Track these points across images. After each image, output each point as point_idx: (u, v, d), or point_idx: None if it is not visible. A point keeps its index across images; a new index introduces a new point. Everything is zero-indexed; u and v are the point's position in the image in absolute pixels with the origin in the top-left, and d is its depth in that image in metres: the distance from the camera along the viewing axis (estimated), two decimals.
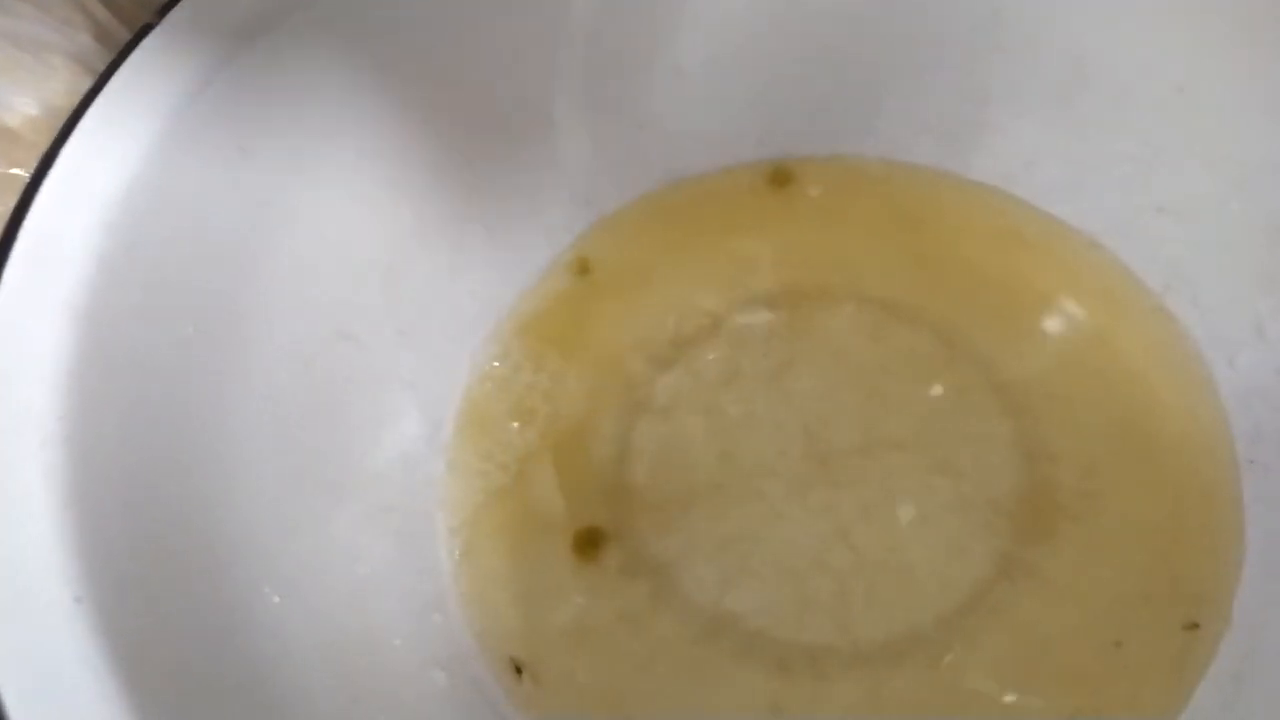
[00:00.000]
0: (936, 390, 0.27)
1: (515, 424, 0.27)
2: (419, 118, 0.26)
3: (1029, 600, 0.24)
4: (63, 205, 0.20)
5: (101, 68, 0.25)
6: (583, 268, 0.29)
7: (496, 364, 0.28)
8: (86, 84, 0.25)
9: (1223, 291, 0.26)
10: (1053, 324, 0.28)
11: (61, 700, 0.14)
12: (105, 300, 0.19)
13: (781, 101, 0.30)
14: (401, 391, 0.27)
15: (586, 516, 0.26)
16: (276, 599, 0.20)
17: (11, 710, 0.14)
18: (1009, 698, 0.24)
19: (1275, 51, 0.24)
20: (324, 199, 0.25)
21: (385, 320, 0.27)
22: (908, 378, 0.27)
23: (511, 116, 0.28)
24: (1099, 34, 0.27)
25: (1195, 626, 0.24)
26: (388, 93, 0.26)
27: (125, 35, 0.27)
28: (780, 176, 0.30)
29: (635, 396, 0.27)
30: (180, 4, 0.22)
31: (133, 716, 0.15)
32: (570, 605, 0.25)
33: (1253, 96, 0.25)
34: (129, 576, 0.16)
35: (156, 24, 0.22)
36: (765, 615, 0.25)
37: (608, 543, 0.26)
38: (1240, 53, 0.25)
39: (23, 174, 0.23)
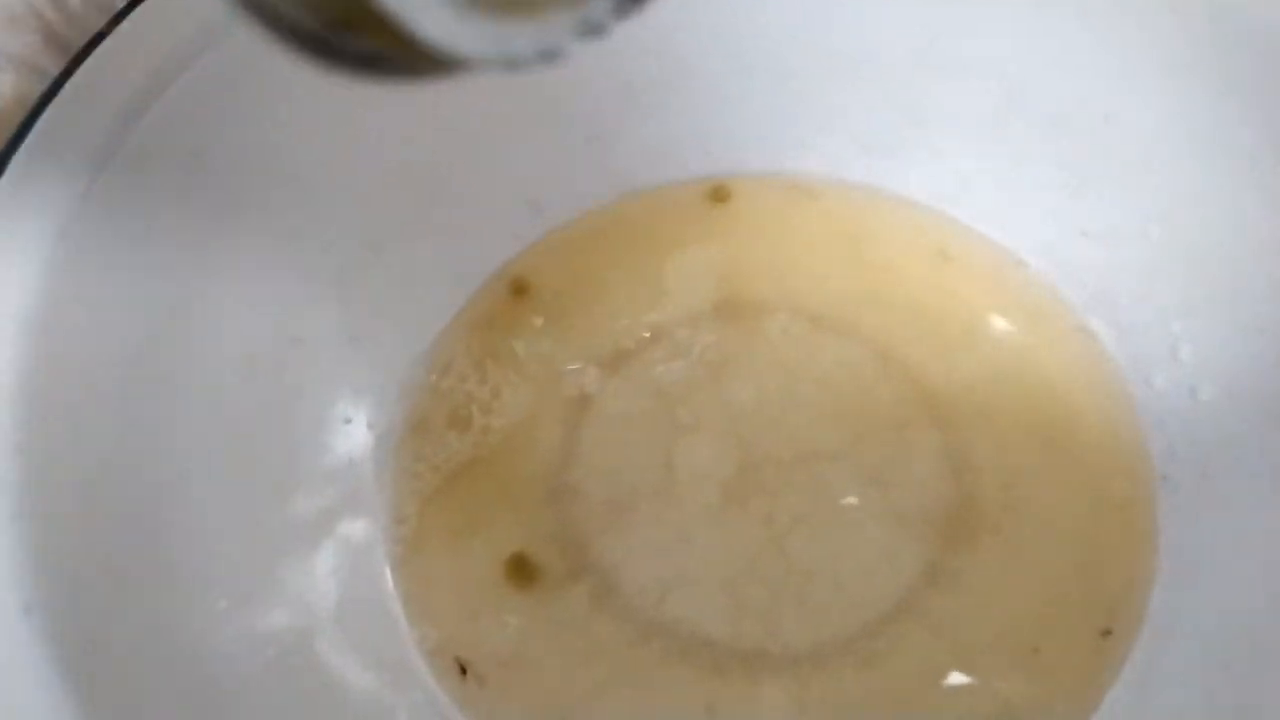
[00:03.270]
0: (869, 402, 0.28)
1: (458, 431, 0.27)
2: (372, 130, 0.27)
3: (953, 606, 0.26)
4: (12, 213, 0.20)
5: (50, 69, 0.26)
6: (527, 280, 0.30)
7: (440, 372, 0.28)
8: (35, 86, 0.25)
9: (1141, 314, 0.28)
10: (981, 340, 0.29)
11: (11, 709, 0.15)
12: (54, 306, 0.20)
13: (725, 119, 0.31)
14: (347, 396, 0.27)
15: (527, 523, 0.27)
16: (223, 603, 0.20)
17: None
18: (931, 700, 0.25)
19: (1197, 88, 0.26)
20: (276, 206, 0.25)
21: (334, 326, 0.27)
22: (842, 390, 0.28)
23: (463, 127, 0.29)
24: (1032, 63, 0.28)
25: (1109, 633, 0.25)
26: (341, 100, 0.26)
27: (77, 38, 0.27)
28: (720, 193, 0.31)
29: (577, 405, 0.28)
30: (129, 16, 0.22)
31: None
32: (512, 608, 0.26)
33: (1175, 130, 0.26)
34: (78, 585, 0.17)
35: (109, 32, 0.22)
36: (701, 619, 0.25)
37: (548, 547, 0.26)
38: (1165, 86, 0.26)
39: None
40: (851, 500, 0.27)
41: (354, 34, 0.10)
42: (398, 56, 0.10)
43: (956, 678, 0.25)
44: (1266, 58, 0.24)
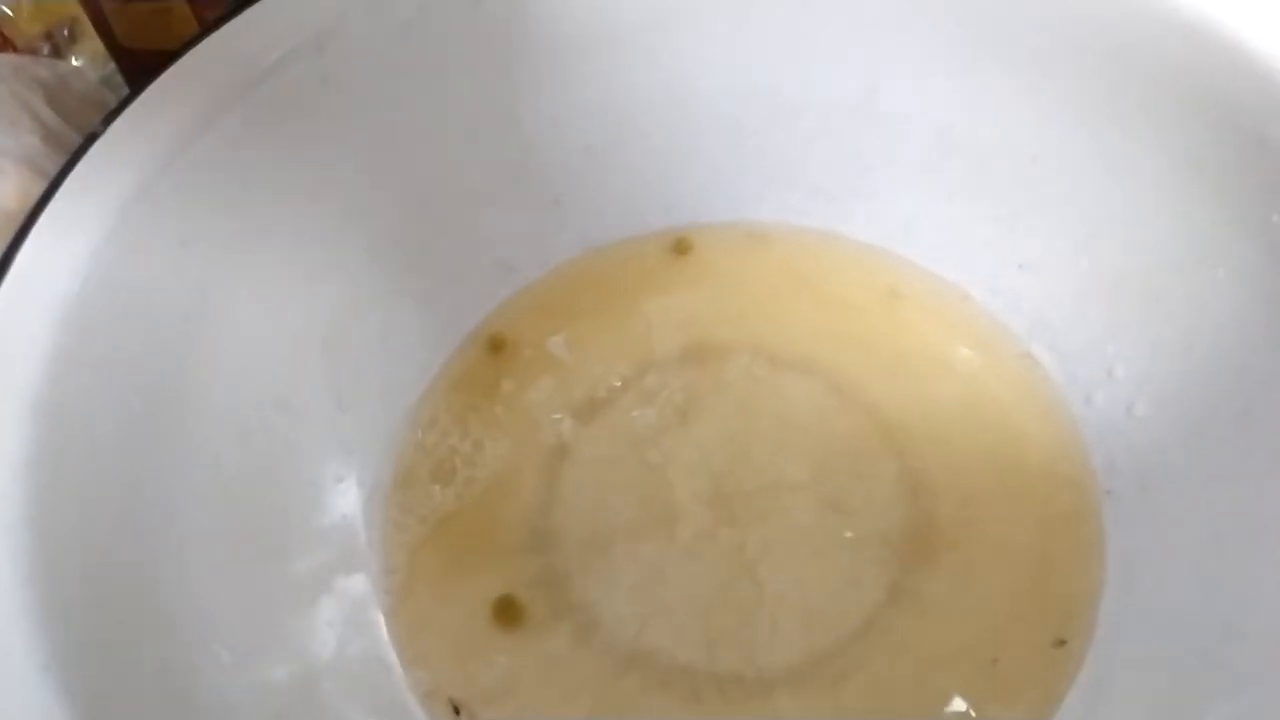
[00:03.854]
0: (828, 434, 0.30)
1: (442, 483, 0.29)
2: (350, 204, 0.29)
3: (915, 623, 0.27)
4: (18, 304, 0.22)
5: (49, 168, 0.28)
6: (503, 336, 0.31)
7: (424, 429, 0.30)
8: (36, 184, 0.27)
9: (1077, 338, 0.30)
10: (932, 370, 0.31)
11: None
12: (59, 389, 0.21)
13: (681, 174, 0.33)
14: (337, 456, 0.29)
15: (511, 567, 0.28)
16: (227, 658, 0.22)
17: None
18: (899, 712, 0.26)
19: (1110, 128, 0.28)
20: (262, 281, 0.27)
21: (322, 390, 0.29)
22: (803, 424, 0.30)
23: (438, 196, 0.31)
24: (960, 111, 0.30)
25: (1063, 643, 0.27)
26: (320, 182, 0.28)
27: (71, 136, 0.29)
28: (682, 245, 0.33)
29: (555, 454, 0.30)
30: (120, 116, 0.24)
31: None
32: (500, 648, 0.27)
33: (1094, 166, 0.28)
34: (90, 643, 0.18)
35: (102, 132, 0.24)
36: (679, 648, 0.27)
37: (532, 589, 0.28)
38: (1081, 128, 0.28)
39: None
40: (816, 527, 0.28)
41: None
42: None
43: (922, 691, 0.26)
44: (1164, 96, 0.26)
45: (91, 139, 0.24)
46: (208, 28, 0.26)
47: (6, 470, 0.19)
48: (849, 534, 0.28)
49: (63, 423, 0.21)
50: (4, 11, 0.35)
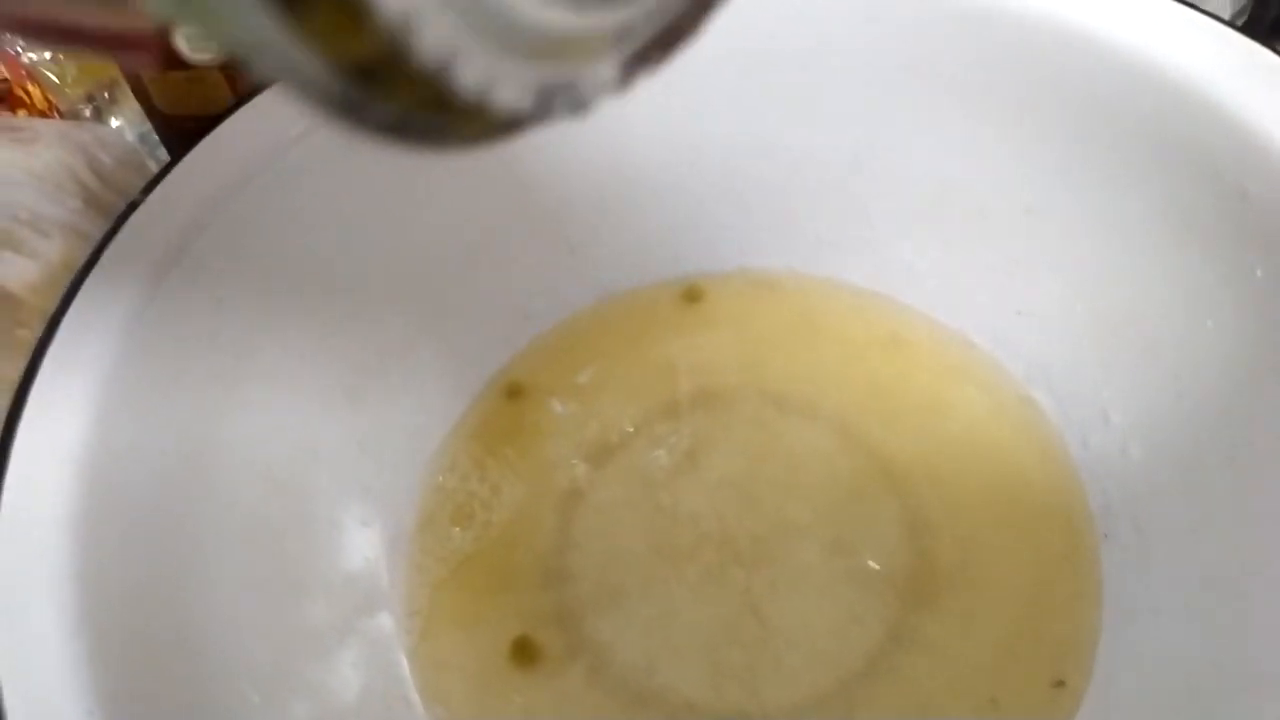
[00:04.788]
0: (832, 476, 0.31)
1: (461, 526, 0.30)
2: (373, 257, 0.30)
3: (916, 663, 0.28)
4: (65, 365, 0.23)
5: (91, 230, 0.29)
6: (520, 384, 0.33)
7: (445, 473, 0.31)
8: (79, 247, 0.28)
9: (1074, 383, 0.30)
10: (933, 414, 0.32)
11: None
12: (102, 447, 0.23)
13: (692, 225, 0.34)
14: (361, 501, 0.30)
15: (527, 608, 0.29)
16: (256, 698, 0.23)
17: None
18: None
19: (1101, 183, 0.29)
20: (290, 335, 0.29)
21: (347, 438, 0.30)
22: (808, 466, 0.31)
23: (457, 248, 0.32)
24: (956, 165, 0.31)
25: (1061, 684, 0.28)
26: (345, 238, 0.29)
27: (109, 198, 0.31)
28: (693, 293, 0.34)
29: (569, 498, 0.31)
30: (160, 184, 0.26)
31: None
32: (516, 687, 0.28)
33: (1087, 219, 0.29)
34: (131, 689, 0.20)
35: (142, 201, 0.26)
36: (687, 686, 0.28)
37: (548, 629, 0.29)
38: (1073, 183, 0.29)
39: (28, 334, 0.26)
40: (820, 568, 0.29)
41: (382, 95, 0.09)
42: (425, 120, 0.10)
43: None
44: (1151, 154, 0.27)
45: (133, 207, 0.26)
46: (241, 98, 0.28)
47: (55, 527, 0.21)
48: (852, 574, 0.29)
49: (105, 477, 0.22)
50: (50, 79, 0.37)
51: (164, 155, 0.37)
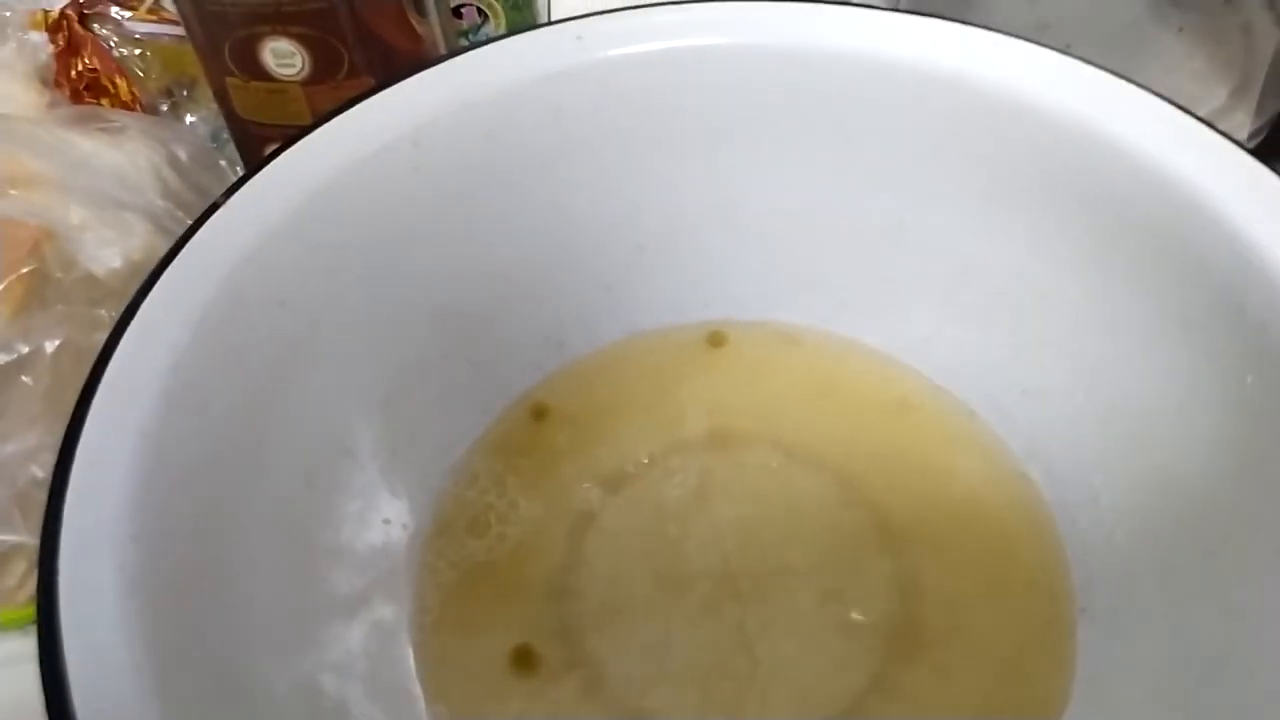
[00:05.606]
0: (832, 528, 0.32)
1: (476, 535, 0.32)
2: (422, 277, 0.32)
3: (894, 711, 0.30)
4: (140, 349, 0.25)
5: (169, 224, 0.31)
6: (546, 405, 0.35)
7: (466, 484, 0.33)
8: (158, 240, 0.31)
9: (1069, 464, 0.32)
10: (933, 479, 0.33)
11: None
12: (167, 425, 0.25)
13: (721, 274, 0.36)
14: (387, 500, 0.32)
15: (531, 618, 0.31)
16: (276, 664, 0.25)
17: None
18: None
19: (1112, 278, 0.30)
20: (340, 341, 0.30)
21: (380, 440, 0.32)
22: (809, 515, 0.33)
23: (501, 277, 0.34)
24: (978, 244, 0.33)
25: None
26: (399, 256, 0.31)
27: (184, 193, 0.33)
28: (717, 338, 0.36)
29: (582, 519, 0.33)
30: (240, 190, 0.28)
31: None
32: (514, 693, 0.30)
33: (1093, 311, 0.31)
34: (172, 644, 0.22)
35: (223, 203, 0.28)
36: (676, 710, 0.30)
37: (549, 641, 0.31)
38: (1086, 275, 0.31)
39: (105, 314, 0.28)
40: (812, 612, 0.31)
41: None
42: None
43: None
44: (1164, 260, 0.29)
45: (214, 208, 0.28)
46: (320, 119, 0.30)
47: (122, 492, 0.23)
48: (842, 623, 0.31)
49: (165, 455, 0.24)
50: (136, 72, 0.39)
51: (234, 154, 0.39)
